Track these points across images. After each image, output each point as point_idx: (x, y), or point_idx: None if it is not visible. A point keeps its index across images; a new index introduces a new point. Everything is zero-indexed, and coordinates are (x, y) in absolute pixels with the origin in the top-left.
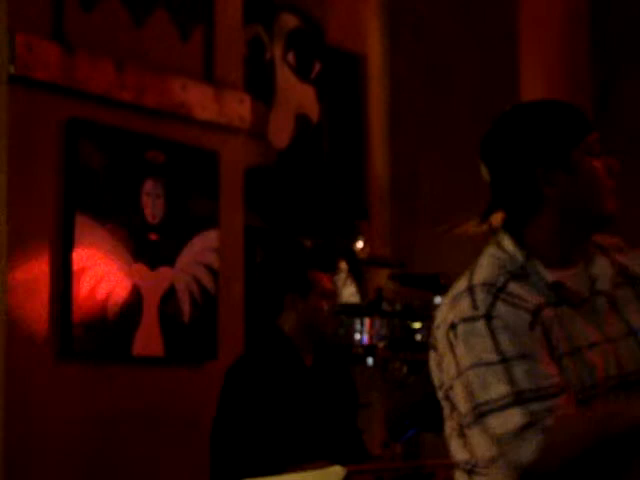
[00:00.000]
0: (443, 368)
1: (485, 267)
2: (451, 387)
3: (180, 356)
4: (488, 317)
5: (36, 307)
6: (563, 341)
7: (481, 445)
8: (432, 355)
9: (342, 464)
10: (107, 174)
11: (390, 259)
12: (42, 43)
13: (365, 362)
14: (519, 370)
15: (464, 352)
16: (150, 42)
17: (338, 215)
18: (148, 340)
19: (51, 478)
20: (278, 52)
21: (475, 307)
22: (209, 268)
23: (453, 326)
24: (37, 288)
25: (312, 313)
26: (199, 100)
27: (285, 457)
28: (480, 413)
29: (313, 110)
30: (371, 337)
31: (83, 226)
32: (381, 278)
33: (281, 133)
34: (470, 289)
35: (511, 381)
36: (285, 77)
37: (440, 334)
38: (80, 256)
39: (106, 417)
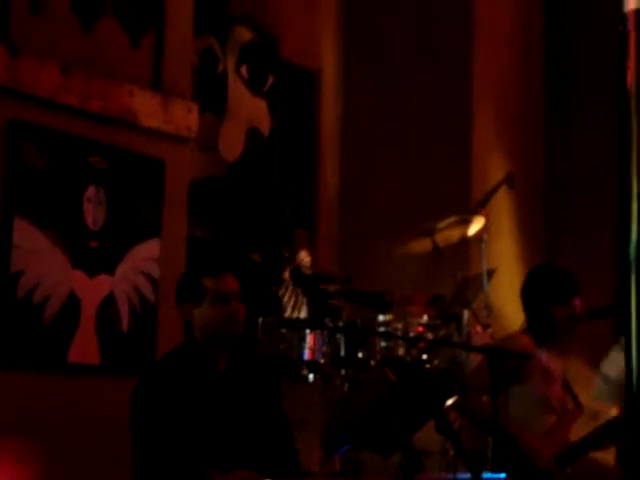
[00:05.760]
0: None
1: None
2: None
3: (117, 365)
4: None
5: None
6: None
7: None
8: None
9: (272, 476)
10: (48, 178)
11: (336, 275)
12: None
13: (306, 378)
14: None
15: None
16: (97, 47)
17: (284, 228)
18: (84, 348)
19: None
20: (231, 64)
21: None
22: (149, 277)
23: None
24: None
25: (208, 319)
26: (146, 107)
27: (204, 462)
28: None
29: (264, 123)
30: (313, 353)
31: (22, 230)
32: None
33: (232, 146)
34: None
35: None
36: (237, 90)
37: None
38: (17, 260)
39: (40, 425)
